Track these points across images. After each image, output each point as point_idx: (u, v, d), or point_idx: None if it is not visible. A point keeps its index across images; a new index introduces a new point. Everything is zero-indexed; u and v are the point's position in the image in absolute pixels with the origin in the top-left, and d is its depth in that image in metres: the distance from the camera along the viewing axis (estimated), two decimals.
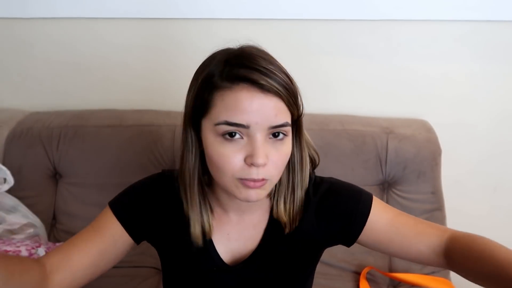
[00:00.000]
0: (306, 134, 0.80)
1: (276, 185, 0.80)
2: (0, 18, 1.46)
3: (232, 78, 0.68)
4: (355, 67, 1.42)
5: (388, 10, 1.35)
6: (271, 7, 1.36)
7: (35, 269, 0.71)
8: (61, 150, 1.36)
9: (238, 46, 0.74)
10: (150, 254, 1.29)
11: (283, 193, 0.80)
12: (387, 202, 1.32)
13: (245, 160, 0.69)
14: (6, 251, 1.16)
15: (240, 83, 0.67)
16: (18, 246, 1.19)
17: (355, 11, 1.35)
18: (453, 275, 1.31)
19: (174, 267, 0.86)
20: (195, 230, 0.79)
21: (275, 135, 0.70)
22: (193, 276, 0.84)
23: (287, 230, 0.80)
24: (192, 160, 0.76)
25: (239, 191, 0.72)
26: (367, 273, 1.27)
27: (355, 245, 0.84)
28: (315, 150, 0.85)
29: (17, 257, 0.72)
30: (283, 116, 0.69)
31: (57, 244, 1.27)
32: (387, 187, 1.33)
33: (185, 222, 0.81)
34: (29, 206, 1.34)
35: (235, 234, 0.83)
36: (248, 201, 0.72)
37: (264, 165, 0.69)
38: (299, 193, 0.80)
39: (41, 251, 1.16)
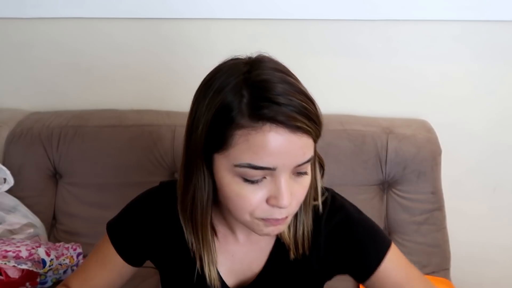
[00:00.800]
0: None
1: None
2: (0, 18, 1.46)
3: (257, 116, 0.59)
4: (355, 67, 1.42)
5: (387, 10, 1.35)
6: (270, 7, 1.36)
7: None
8: (61, 150, 1.36)
9: (253, 60, 0.66)
10: None
11: (304, 217, 0.74)
12: (387, 202, 1.32)
13: (267, 200, 0.63)
14: (6, 251, 1.16)
15: (267, 122, 0.59)
16: (18, 246, 1.19)
17: (354, 11, 1.35)
18: (453, 275, 1.31)
19: (173, 284, 0.82)
20: (211, 272, 0.73)
21: (300, 171, 0.65)
22: None
23: (292, 256, 0.75)
24: (205, 198, 0.68)
25: (259, 229, 0.67)
26: None
27: None
28: (320, 158, 0.77)
29: None
30: (310, 151, 0.64)
31: (57, 244, 1.27)
32: (387, 187, 1.33)
33: (187, 242, 0.76)
34: (29, 206, 1.34)
35: (240, 255, 0.78)
36: (269, 235, 0.68)
37: (289, 205, 0.63)
38: (304, 218, 0.74)
39: (41, 251, 1.16)
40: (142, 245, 0.80)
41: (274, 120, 0.59)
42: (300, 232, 0.74)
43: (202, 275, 0.76)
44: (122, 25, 1.44)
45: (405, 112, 1.41)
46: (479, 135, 1.43)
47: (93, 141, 1.35)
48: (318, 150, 0.85)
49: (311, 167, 0.69)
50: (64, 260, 1.21)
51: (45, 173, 1.38)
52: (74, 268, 1.26)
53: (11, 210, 1.31)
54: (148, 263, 1.31)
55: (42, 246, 1.20)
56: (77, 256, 1.27)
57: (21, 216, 1.31)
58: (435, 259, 1.29)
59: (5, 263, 1.13)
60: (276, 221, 0.65)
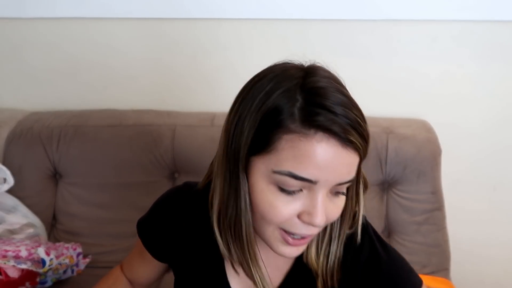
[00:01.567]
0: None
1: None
2: (0, 18, 1.46)
3: (309, 123, 0.56)
4: (355, 67, 1.41)
5: (388, 10, 1.35)
6: (271, 7, 1.36)
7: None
8: (61, 150, 1.36)
9: (309, 67, 0.63)
10: None
11: (315, 238, 0.68)
12: (387, 202, 1.32)
13: (299, 216, 0.60)
14: (6, 251, 1.16)
15: (319, 131, 0.56)
16: (18, 246, 1.19)
17: (355, 10, 1.35)
18: (453, 275, 1.31)
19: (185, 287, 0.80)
20: (264, 285, 0.67)
21: (338, 191, 0.61)
22: None
23: (319, 286, 0.68)
24: (246, 207, 0.62)
25: (276, 245, 0.63)
26: None
27: None
28: (365, 180, 0.71)
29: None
30: (354, 171, 0.60)
31: (57, 244, 1.27)
32: (387, 187, 1.33)
33: (204, 244, 0.73)
34: (29, 206, 1.34)
35: (269, 272, 0.72)
36: (285, 256, 0.64)
37: (322, 224, 0.59)
38: (336, 245, 0.68)
39: (41, 251, 1.16)
40: (167, 244, 0.78)
41: (328, 130, 0.55)
42: (331, 261, 0.68)
43: (212, 280, 0.74)
44: (122, 25, 1.44)
45: (405, 112, 1.41)
46: (479, 134, 1.43)
47: (93, 141, 1.35)
48: None
49: (352, 188, 0.65)
50: (64, 260, 1.21)
51: (45, 173, 1.38)
52: (74, 268, 1.26)
53: (11, 210, 1.31)
54: None
55: (42, 246, 1.20)
56: (77, 256, 1.27)
57: (21, 216, 1.31)
58: (435, 259, 1.29)
59: (5, 263, 1.13)
60: (296, 240, 0.61)
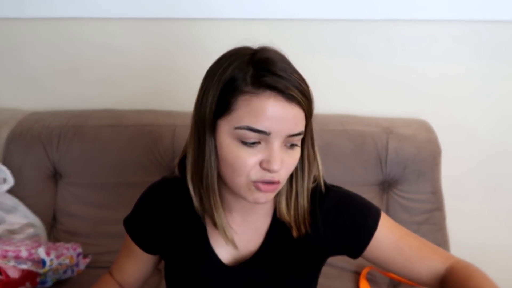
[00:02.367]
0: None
1: (295, 185, 0.81)
2: (1, 18, 1.46)
3: (258, 84, 0.69)
4: (355, 67, 1.42)
5: (387, 10, 1.35)
6: (270, 7, 1.36)
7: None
8: (61, 150, 1.36)
9: (259, 48, 0.74)
10: None
11: (285, 195, 0.80)
12: (387, 202, 1.32)
13: (260, 164, 0.71)
14: (6, 251, 1.16)
15: (267, 90, 0.68)
16: (18, 246, 1.19)
17: (354, 11, 1.35)
18: None
19: (175, 267, 0.86)
20: (227, 234, 0.79)
21: (291, 140, 0.71)
22: (193, 277, 0.84)
23: (295, 234, 0.80)
24: (213, 164, 0.74)
25: (250, 193, 0.73)
26: (367, 273, 1.27)
27: None
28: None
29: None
30: (301, 125, 0.72)
31: (57, 244, 1.27)
32: (387, 187, 1.33)
33: (189, 223, 0.83)
34: (29, 206, 1.34)
35: (236, 237, 0.82)
36: (257, 203, 0.74)
37: (279, 170, 0.71)
38: (302, 197, 0.80)
39: (41, 251, 1.16)
40: (154, 234, 0.86)
41: (274, 88, 0.68)
42: (301, 210, 0.80)
43: (208, 256, 0.82)
44: (122, 25, 1.44)
45: (405, 112, 1.41)
46: (479, 135, 1.43)
47: (93, 141, 1.35)
48: (318, 150, 0.86)
49: (307, 146, 0.77)
50: (64, 260, 1.21)
51: (45, 173, 1.38)
52: (74, 268, 1.26)
53: (11, 210, 1.31)
54: None
55: (42, 246, 1.20)
56: (77, 256, 1.27)
57: (21, 216, 1.31)
58: None
59: (5, 263, 1.13)
60: (267, 186, 0.71)
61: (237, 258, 0.83)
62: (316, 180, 0.83)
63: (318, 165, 0.81)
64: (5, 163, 1.35)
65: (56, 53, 1.48)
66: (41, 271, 1.16)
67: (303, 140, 0.76)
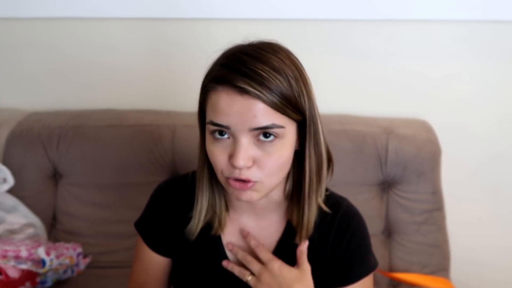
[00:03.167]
0: (322, 138, 0.78)
1: (290, 188, 0.80)
2: (0, 18, 1.46)
3: (216, 79, 0.69)
4: (355, 67, 1.42)
5: (388, 10, 1.35)
6: (269, 7, 1.36)
7: None
8: (61, 150, 1.36)
9: (247, 43, 0.74)
10: None
11: (296, 198, 0.79)
12: (387, 202, 1.32)
13: (229, 159, 0.70)
14: (6, 251, 1.16)
15: (222, 84, 0.68)
16: (18, 246, 1.19)
17: (355, 11, 1.35)
18: (453, 276, 1.31)
19: (185, 268, 0.86)
20: (198, 224, 0.80)
21: (265, 135, 0.69)
22: (203, 278, 0.83)
23: (298, 241, 0.80)
24: (201, 157, 0.78)
25: (230, 190, 0.73)
26: None
27: None
28: (329, 155, 0.82)
29: None
30: (267, 118, 0.68)
31: (57, 244, 1.27)
32: (387, 187, 1.33)
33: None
34: (29, 206, 1.34)
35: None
36: (239, 200, 0.73)
37: (246, 167, 0.69)
38: (308, 203, 0.78)
39: (41, 251, 1.16)
40: (166, 234, 0.85)
41: (226, 81, 0.68)
42: (310, 217, 0.78)
43: (219, 258, 0.82)
44: (122, 25, 1.44)
45: (405, 112, 1.41)
46: (479, 136, 1.43)
47: (93, 141, 1.35)
48: None
49: (311, 149, 0.75)
50: (64, 260, 1.22)
51: (45, 173, 1.38)
52: (74, 268, 1.26)
53: (11, 210, 1.31)
54: None
55: (42, 246, 1.20)
56: (77, 256, 1.27)
57: (21, 216, 1.31)
58: (435, 259, 1.29)
59: (5, 263, 1.13)
60: (239, 184, 0.70)
61: None
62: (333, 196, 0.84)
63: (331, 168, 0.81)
64: (5, 163, 1.35)
65: (56, 53, 1.48)
66: (41, 271, 1.16)
67: (303, 141, 0.74)
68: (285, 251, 0.81)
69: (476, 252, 1.48)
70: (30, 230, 1.30)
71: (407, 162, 1.29)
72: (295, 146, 0.75)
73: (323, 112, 1.40)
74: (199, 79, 0.75)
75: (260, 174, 0.70)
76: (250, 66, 0.68)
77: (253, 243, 0.81)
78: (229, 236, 0.83)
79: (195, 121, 0.78)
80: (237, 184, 0.71)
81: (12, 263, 1.14)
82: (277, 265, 0.78)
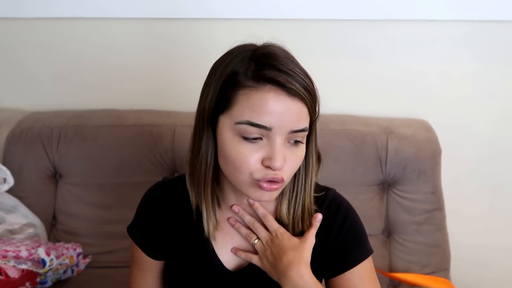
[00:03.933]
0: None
1: (300, 185, 0.80)
2: (1, 18, 1.46)
3: (259, 78, 0.67)
4: (355, 67, 1.42)
5: (388, 10, 1.35)
6: (270, 7, 1.36)
7: None
8: (61, 150, 1.36)
9: (262, 44, 0.73)
10: None
11: (288, 195, 0.80)
12: (387, 202, 1.32)
13: (262, 161, 0.69)
14: (6, 251, 1.16)
15: (268, 84, 0.67)
16: (18, 246, 1.19)
17: (355, 11, 1.35)
18: (453, 275, 1.31)
19: (177, 270, 0.86)
20: (210, 226, 0.78)
21: (295, 138, 0.70)
22: (196, 279, 0.83)
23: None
24: (207, 156, 0.74)
25: (253, 190, 0.72)
26: None
27: None
28: (318, 154, 0.83)
29: None
30: (304, 121, 0.70)
31: (57, 244, 1.27)
32: (387, 187, 1.33)
33: (190, 225, 0.81)
34: (29, 206, 1.34)
35: (239, 238, 0.82)
36: (260, 200, 0.74)
37: (281, 169, 0.69)
38: (303, 197, 0.79)
39: (41, 251, 1.16)
40: (158, 238, 0.84)
41: (275, 82, 0.67)
42: (299, 211, 0.79)
43: (202, 255, 0.82)
44: (122, 25, 1.44)
45: (405, 112, 1.41)
46: (479, 135, 1.43)
47: (93, 141, 1.35)
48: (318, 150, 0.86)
49: (311, 145, 0.77)
50: (64, 260, 1.21)
51: (45, 173, 1.38)
52: (74, 268, 1.26)
53: (11, 210, 1.31)
54: None
55: (42, 246, 1.20)
56: (77, 256, 1.27)
57: (21, 216, 1.31)
58: (435, 259, 1.29)
59: (5, 263, 1.13)
60: (270, 183, 0.70)
61: (240, 262, 0.83)
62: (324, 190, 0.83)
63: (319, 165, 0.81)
64: (5, 163, 1.35)
65: (56, 53, 1.48)
66: (41, 271, 1.16)
67: (308, 139, 0.76)
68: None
69: (476, 251, 1.48)
70: (30, 230, 1.30)
71: (407, 162, 1.29)
72: None
73: (323, 112, 1.40)
74: (200, 79, 0.75)
75: (288, 173, 0.72)
76: (291, 68, 0.68)
77: (261, 212, 0.80)
78: (217, 234, 0.82)
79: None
80: (268, 185, 0.70)
81: (12, 263, 1.14)
82: (282, 232, 0.79)
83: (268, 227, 0.80)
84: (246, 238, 0.81)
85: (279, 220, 0.81)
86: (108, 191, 1.36)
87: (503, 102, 1.41)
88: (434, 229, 1.30)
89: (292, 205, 0.79)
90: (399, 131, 1.32)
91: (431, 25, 1.36)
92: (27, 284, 1.17)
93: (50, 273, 1.19)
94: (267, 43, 0.74)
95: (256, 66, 0.68)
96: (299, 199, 0.79)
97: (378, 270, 1.27)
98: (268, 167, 0.69)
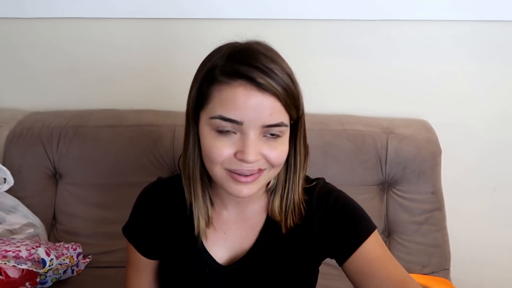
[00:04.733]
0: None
1: (275, 183, 0.81)
2: (1, 18, 1.46)
3: (231, 73, 0.68)
4: (355, 67, 1.42)
5: (388, 10, 1.35)
6: (271, 7, 1.36)
7: None
8: (61, 150, 1.36)
9: (245, 41, 0.74)
10: None
11: (280, 191, 0.80)
12: (387, 202, 1.32)
13: (235, 154, 0.70)
14: (6, 251, 1.16)
15: (239, 79, 0.68)
16: (18, 246, 1.19)
17: (355, 11, 1.35)
18: (453, 275, 1.31)
19: (170, 268, 0.86)
20: (200, 222, 0.79)
21: (272, 133, 0.70)
22: (188, 276, 0.84)
23: (283, 230, 0.80)
24: (194, 152, 0.76)
25: (231, 185, 0.72)
26: None
27: None
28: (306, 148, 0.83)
29: None
30: (279, 116, 0.69)
31: (57, 244, 1.27)
32: (387, 187, 1.33)
33: (184, 223, 0.82)
34: (29, 206, 1.34)
35: (231, 232, 0.83)
36: (238, 196, 0.73)
37: (254, 162, 0.70)
38: (293, 194, 0.80)
39: (41, 251, 1.16)
40: (152, 237, 0.85)
41: (245, 77, 0.67)
42: (291, 205, 0.80)
43: (194, 251, 0.82)
44: (122, 25, 1.44)
45: (405, 112, 1.41)
46: (479, 135, 1.44)
47: (93, 141, 1.35)
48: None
49: (299, 141, 0.76)
50: (64, 260, 1.22)
51: (45, 173, 1.38)
52: (74, 268, 1.26)
53: (11, 210, 1.31)
54: None
55: (42, 246, 1.20)
56: (77, 256, 1.27)
57: (21, 216, 1.31)
58: (435, 259, 1.29)
59: (5, 263, 1.13)
60: (245, 178, 0.71)
61: (232, 257, 0.83)
62: (318, 179, 0.84)
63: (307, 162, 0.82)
64: (5, 163, 1.35)
65: (56, 53, 1.48)
66: (41, 271, 1.16)
67: (295, 136, 0.76)
68: (266, 241, 0.82)
69: (476, 251, 1.48)
70: (30, 230, 1.30)
71: (407, 162, 1.29)
72: None
73: (323, 112, 1.41)
74: None
75: (265, 166, 0.72)
76: (265, 64, 0.68)
77: None
78: (213, 235, 0.83)
79: None
80: (242, 178, 0.71)
81: (12, 263, 1.14)
82: None
83: None
84: None
85: (271, 218, 0.81)
86: (108, 191, 1.36)
87: (503, 101, 1.41)
88: (434, 229, 1.30)
89: (284, 202, 0.80)
90: (399, 131, 1.32)
91: (431, 25, 1.36)
92: (27, 284, 1.17)
93: (50, 273, 1.19)
94: (251, 40, 0.74)
95: (230, 62, 0.69)
96: (290, 195, 0.80)
97: None
98: (241, 160, 0.69)
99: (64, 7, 1.41)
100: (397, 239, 1.30)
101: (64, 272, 1.23)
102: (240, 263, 0.82)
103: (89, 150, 1.35)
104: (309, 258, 0.84)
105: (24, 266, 1.15)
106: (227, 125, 0.69)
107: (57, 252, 1.21)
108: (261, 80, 0.67)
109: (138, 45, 1.45)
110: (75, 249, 1.27)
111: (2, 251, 1.16)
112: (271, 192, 0.81)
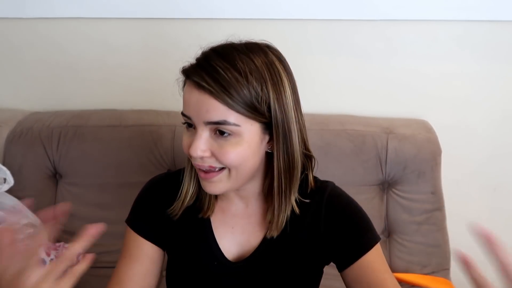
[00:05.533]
0: (296, 139, 0.77)
1: (268, 186, 0.81)
2: (1, 18, 1.46)
3: (183, 72, 0.76)
4: (355, 67, 1.42)
5: (387, 10, 1.35)
6: (270, 7, 1.36)
7: None
8: (61, 150, 1.36)
9: (230, 42, 0.77)
10: None
11: (275, 196, 0.79)
12: (387, 202, 1.32)
13: None
14: None
15: (186, 78, 0.75)
16: None
17: (354, 11, 1.35)
18: (453, 275, 1.31)
19: (178, 262, 0.86)
20: (183, 197, 0.82)
21: (221, 132, 0.72)
22: (195, 271, 0.84)
23: (275, 234, 0.80)
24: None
25: (200, 178, 0.77)
26: None
27: None
28: (308, 154, 0.83)
29: None
30: (218, 113, 0.70)
31: (57, 244, 1.27)
32: (387, 187, 1.33)
33: (192, 217, 0.84)
34: (29, 206, 1.34)
35: (239, 228, 0.84)
36: (207, 192, 0.76)
37: (199, 158, 0.73)
38: (284, 199, 0.79)
39: (41, 251, 1.16)
40: (158, 225, 0.86)
41: (188, 76, 0.74)
42: (285, 213, 0.80)
43: (212, 251, 0.83)
44: (122, 25, 1.44)
45: (405, 112, 1.41)
46: (479, 135, 1.43)
47: (93, 141, 1.35)
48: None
49: (279, 153, 0.75)
50: None
51: (45, 173, 1.38)
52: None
53: (11, 210, 1.31)
54: None
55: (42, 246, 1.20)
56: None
57: (21, 216, 1.31)
58: (435, 259, 1.29)
59: None
60: (204, 174, 0.75)
61: (241, 253, 0.83)
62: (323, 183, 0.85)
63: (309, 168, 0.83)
64: (5, 163, 1.35)
65: (56, 53, 1.48)
66: None
67: (275, 142, 0.75)
68: (272, 240, 0.82)
69: (476, 251, 1.48)
70: (30, 230, 1.30)
71: (407, 162, 1.29)
72: (267, 146, 0.76)
73: (323, 112, 1.41)
74: None
75: (218, 164, 0.74)
76: (211, 63, 0.72)
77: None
78: (218, 223, 0.84)
79: None
80: (204, 175, 0.75)
81: None
82: None
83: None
84: None
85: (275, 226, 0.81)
86: (108, 191, 1.36)
87: (503, 102, 1.41)
88: (434, 229, 1.30)
89: (273, 206, 0.80)
90: (399, 131, 1.32)
91: (431, 25, 1.36)
92: None
93: None
94: (226, 41, 0.78)
95: (193, 63, 0.75)
96: (287, 201, 0.79)
97: None
98: (188, 154, 0.74)
99: (64, 7, 1.41)
100: (397, 239, 1.30)
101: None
102: (248, 260, 0.82)
103: (89, 150, 1.35)
104: (315, 258, 0.84)
105: None
106: (186, 120, 0.75)
107: (57, 252, 1.21)
108: (196, 78, 0.71)
109: (138, 45, 1.45)
110: None
111: None
112: (267, 194, 0.82)
